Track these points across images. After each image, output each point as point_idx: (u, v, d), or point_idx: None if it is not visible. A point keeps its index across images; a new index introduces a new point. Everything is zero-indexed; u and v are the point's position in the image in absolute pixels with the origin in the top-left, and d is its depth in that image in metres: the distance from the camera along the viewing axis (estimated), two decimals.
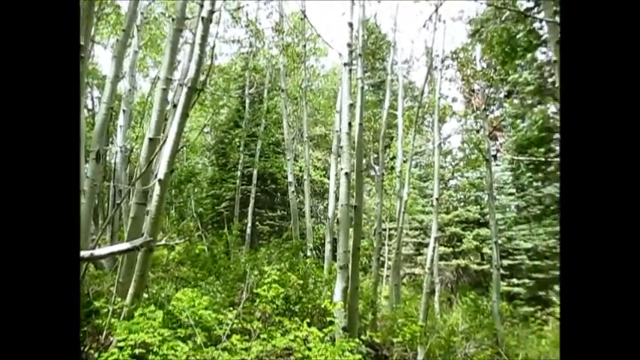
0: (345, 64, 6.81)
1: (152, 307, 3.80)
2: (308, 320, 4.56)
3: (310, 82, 16.00)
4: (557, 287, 11.90)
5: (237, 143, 14.86)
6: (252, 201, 13.09)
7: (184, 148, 17.04)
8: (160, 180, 4.15)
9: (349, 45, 6.71)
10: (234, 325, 4.54)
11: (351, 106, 6.84)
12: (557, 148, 10.28)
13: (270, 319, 4.90)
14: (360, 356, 4.34)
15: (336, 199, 8.51)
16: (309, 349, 3.89)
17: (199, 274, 7.43)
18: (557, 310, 9.03)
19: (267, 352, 4.13)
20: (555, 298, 11.18)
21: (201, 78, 5.12)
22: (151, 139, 5.29)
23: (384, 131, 10.82)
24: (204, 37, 4.42)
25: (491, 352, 7.41)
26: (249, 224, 12.65)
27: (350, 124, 6.64)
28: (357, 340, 4.10)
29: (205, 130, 18.24)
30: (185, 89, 4.35)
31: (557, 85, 5.56)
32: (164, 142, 4.43)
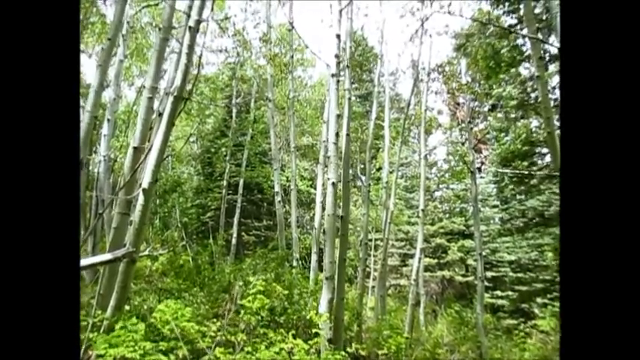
0: (332, 75, 6.86)
1: (134, 320, 3.71)
2: (293, 332, 4.51)
3: (297, 92, 16.07)
4: (539, 300, 12.01)
5: (224, 153, 14.79)
6: (238, 211, 12.99)
7: (170, 158, 16.87)
8: (144, 189, 4.10)
9: (337, 56, 6.77)
10: (219, 338, 4.47)
11: (338, 116, 6.87)
12: (540, 161, 10.46)
13: (255, 331, 4.84)
14: None
15: (323, 209, 8.50)
16: None
17: (183, 285, 7.31)
18: (540, 322, 9.10)
19: None
20: (538, 311, 11.26)
21: (188, 87, 5.09)
22: (135, 148, 5.22)
23: (370, 142, 10.90)
24: (190, 47, 4.40)
25: None
26: (235, 234, 12.54)
27: (337, 135, 6.67)
28: (342, 352, 4.06)
29: (191, 139, 18.11)
30: (171, 98, 4.32)
31: (539, 99, 5.67)
32: (149, 151, 4.37)
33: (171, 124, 4.30)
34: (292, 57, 12.24)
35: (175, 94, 4.30)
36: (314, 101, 18.74)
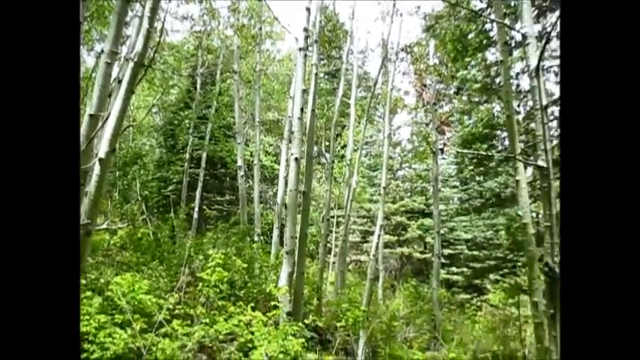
0: (300, 49, 6.77)
1: (88, 293, 3.64)
2: (252, 305, 4.56)
3: (265, 66, 15.73)
4: (492, 276, 12.63)
5: (187, 125, 14.40)
6: (200, 185, 12.78)
7: (131, 129, 16.27)
8: (100, 159, 3.94)
9: (305, 30, 6.67)
10: (177, 311, 4.45)
11: (304, 92, 6.82)
12: (499, 144, 10.81)
13: (214, 303, 4.85)
14: (303, 340, 4.41)
15: (286, 184, 8.51)
16: (252, 334, 3.89)
17: (142, 259, 7.19)
18: (491, 297, 9.61)
19: (210, 337, 4.10)
20: (490, 286, 11.85)
21: (150, 54, 4.89)
22: (91, 116, 4.96)
23: (336, 119, 10.90)
24: (153, 10, 4.19)
25: (429, 336, 7.78)
26: (197, 208, 12.36)
27: (302, 110, 6.63)
28: (300, 324, 4.15)
29: (154, 110, 17.49)
30: (131, 64, 4.13)
31: (501, 84, 5.81)
32: (106, 119, 4.20)
33: (130, 91, 4.12)
34: (261, 29, 11.94)
35: (136, 60, 4.12)
36: (281, 76, 18.45)
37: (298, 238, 6.28)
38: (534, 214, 7.39)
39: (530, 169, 7.80)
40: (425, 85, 13.62)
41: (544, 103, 4.52)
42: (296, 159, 6.36)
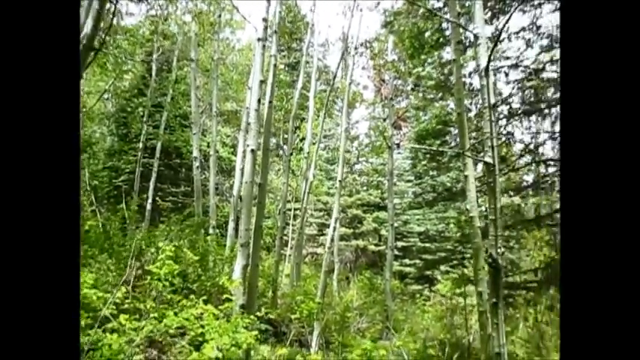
0: (259, 40, 6.67)
1: None
2: (205, 298, 4.49)
3: (224, 55, 15.42)
4: (442, 267, 13.10)
5: (141, 113, 13.89)
6: (154, 175, 12.39)
7: (80, 115, 15.46)
8: None
9: (265, 20, 6.58)
10: (127, 305, 4.32)
11: (262, 82, 6.75)
12: (452, 141, 11.16)
13: (164, 297, 4.74)
14: (256, 332, 4.41)
15: (243, 176, 8.42)
16: (203, 327, 3.84)
17: (89, 252, 6.89)
18: (440, 287, 9.99)
19: (160, 331, 4.00)
20: (440, 277, 12.29)
21: (101, 37, 4.67)
22: None
23: (295, 112, 10.87)
24: None
25: (381, 326, 7.98)
26: (150, 200, 11.99)
27: (259, 101, 6.56)
28: (252, 316, 4.14)
29: (105, 96, 16.69)
30: (80, 47, 3.94)
31: (454, 82, 5.99)
32: None
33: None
34: (220, 16, 11.68)
35: (84, 42, 3.92)
36: (241, 66, 18.13)
37: (253, 230, 6.24)
38: (483, 208, 7.71)
39: (480, 165, 8.12)
40: (383, 81, 13.84)
41: (492, 101, 4.73)
42: (252, 150, 6.29)
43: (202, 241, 7.43)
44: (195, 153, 10.36)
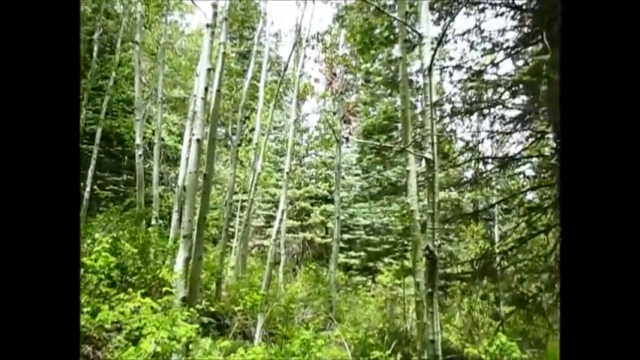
0: (207, 26, 6.49)
1: None
2: (144, 291, 4.35)
3: (172, 39, 14.85)
4: (386, 259, 13.52)
5: (80, 96, 13.09)
6: (93, 162, 11.75)
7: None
8: None
9: (214, 6, 6.41)
10: None
11: (210, 70, 6.59)
12: (399, 136, 11.48)
13: (100, 291, 4.55)
14: (197, 326, 4.34)
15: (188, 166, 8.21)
16: (140, 321, 3.73)
17: None
18: (382, 278, 10.31)
19: (94, 326, 3.85)
20: (383, 268, 12.64)
21: None
22: None
23: (244, 101, 10.72)
24: None
25: (325, 317, 8.10)
26: (88, 188, 11.37)
27: (206, 89, 6.41)
28: (192, 309, 4.07)
29: None
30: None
31: (399, 79, 6.15)
32: None
33: None
34: None
35: None
36: (190, 52, 17.52)
37: (197, 221, 6.11)
38: (425, 202, 8.00)
39: (424, 161, 8.41)
40: (334, 74, 13.93)
41: (434, 99, 4.91)
42: (198, 140, 6.14)
43: (143, 233, 7.17)
44: (139, 140, 9.93)
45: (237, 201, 13.92)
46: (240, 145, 13.66)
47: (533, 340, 6.85)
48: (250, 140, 13.36)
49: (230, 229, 11.12)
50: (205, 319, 6.52)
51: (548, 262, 7.03)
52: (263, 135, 10.87)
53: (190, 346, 4.55)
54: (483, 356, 4.20)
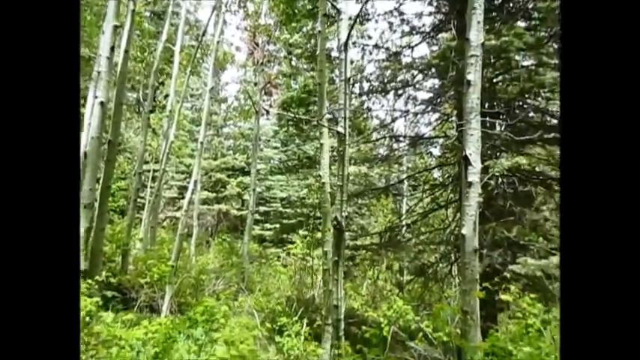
0: None
1: None
2: None
3: None
4: (301, 231, 13.79)
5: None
6: None
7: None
8: None
9: None
10: None
11: (117, 28, 6.12)
12: (315, 109, 11.62)
13: None
14: (97, 299, 4.14)
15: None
16: None
17: None
18: (295, 249, 10.57)
19: None
20: (297, 239, 12.89)
21: None
22: None
23: (157, 65, 10.10)
24: None
25: (237, 287, 8.14)
26: None
27: (112, 49, 5.96)
28: (89, 281, 3.87)
29: None
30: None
31: (317, 53, 6.18)
32: None
33: None
34: None
35: None
36: (96, 5, 15.94)
37: (100, 190, 5.74)
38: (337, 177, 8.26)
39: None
40: (257, 44, 13.57)
41: (348, 75, 5.03)
42: (102, 103, 5.71)
43: None
44: None
45: (149, 171, 13.22)
46: (152, 111, 12.92)
47: (429, 304, 7.51)
48: (164, 107, 12.68)
49: (140, 199, 10.59)
50: (109, 293, 6.22)
51: (444, 234, 7.69)
52: (178, 102, 10.35)
53: (90, 319, 4.35)
54: (382, 319, 4.54)
